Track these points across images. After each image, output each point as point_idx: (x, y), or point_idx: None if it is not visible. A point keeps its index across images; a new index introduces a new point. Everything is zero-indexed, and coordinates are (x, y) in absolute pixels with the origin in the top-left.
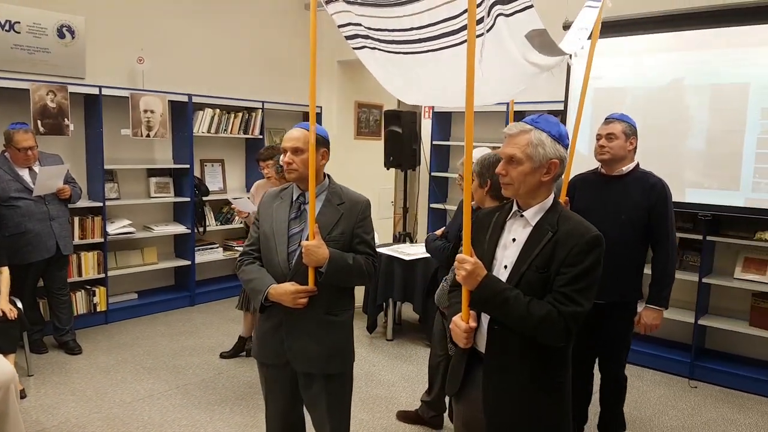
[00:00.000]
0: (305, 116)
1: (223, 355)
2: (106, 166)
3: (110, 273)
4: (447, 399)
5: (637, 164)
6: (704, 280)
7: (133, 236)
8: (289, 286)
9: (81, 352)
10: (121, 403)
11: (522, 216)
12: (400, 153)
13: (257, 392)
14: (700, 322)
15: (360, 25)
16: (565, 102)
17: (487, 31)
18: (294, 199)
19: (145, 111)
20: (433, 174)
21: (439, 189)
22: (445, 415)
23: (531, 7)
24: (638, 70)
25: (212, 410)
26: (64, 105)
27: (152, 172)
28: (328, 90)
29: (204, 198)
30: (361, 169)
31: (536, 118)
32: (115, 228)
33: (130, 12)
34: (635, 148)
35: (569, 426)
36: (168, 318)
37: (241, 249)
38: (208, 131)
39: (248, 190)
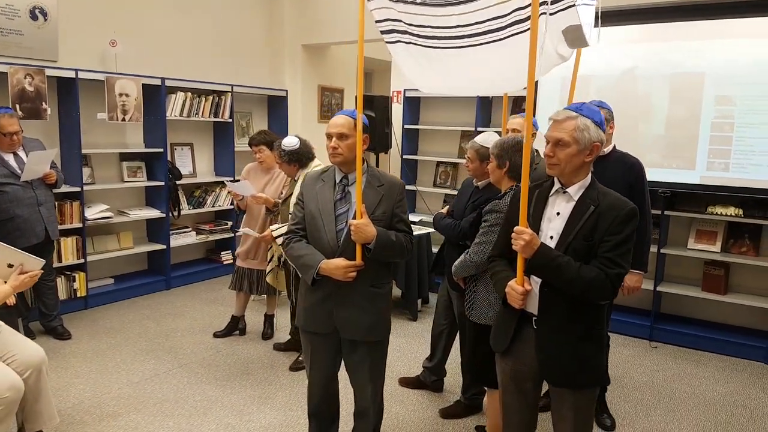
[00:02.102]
0: (270, 100)
1: (216, 335)
2: (82, 151)
3: (88, 258)
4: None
5: (614, 146)
6: (662, 250)
7: (110, 221)
8: (341, 261)
9: (70, 337)
10: (129, 383)
11: (565, 192)
12: (373, 136)
13: (260, 367)
14: (658, 288)
15: (400, 21)
16: (534, 89)
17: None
18: (337, 181)
19: (120, 94)
20: (404, 157)
21: (409, 171)
22: (445, 378)
23: (573, 6)
24: (603, 60)
25: (222, 385)
26: (41, 88)
27: (124, 156)
28: (293, 74)
29: (177, 182)
30: (325, 151)
31: (579, 106)
32: (93, 213)
33: None
34: (613, 131)
35: (607, 363)
36: (147, 302)
37: (209, 230)
38: (180, 115)
39: (216, 174)
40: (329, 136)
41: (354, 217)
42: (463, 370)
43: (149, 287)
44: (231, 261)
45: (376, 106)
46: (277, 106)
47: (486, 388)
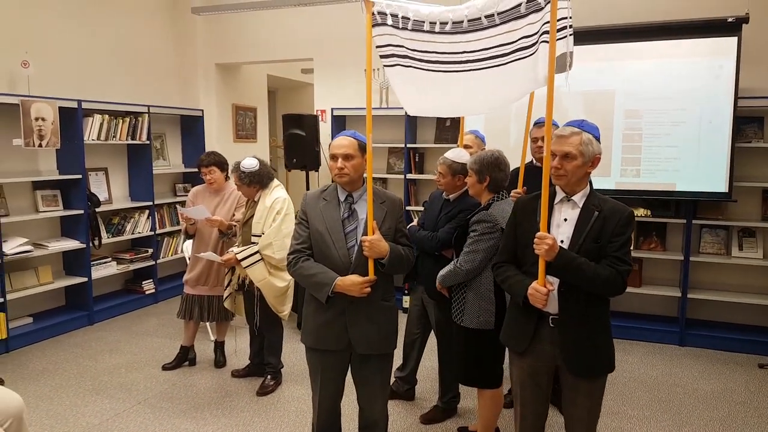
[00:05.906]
0: (183, 120)
1: (165, 367)
2: None
3: (7, 297)
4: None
5: None
6: None
7: (29, 255)
8: (356, 278)
9: (3, 382)
10: (90, 425)
11: (570, 200)
12: (304, 155)
13: (224, 396)
14: None
15: (402, 47)
16: None
17: (531, 55)
18: (342, 200)
19: (36, 119)
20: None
21: None
22: (416, 387)
23: (572, 35)
24: None
25: (193, 417)
26: None
27: (37, 185)
28: (207, 93)
29: (96, 209)
30: None
31: (581, 123)
32: (11, 247)
33: (10, 13)
34: None
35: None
36: (73, 339)
37: (130, 259)
38: (98, 138)
39: (132, 199)
40: (335, 157)
41: (364, 234)
42: (441, 376)
43: (71, 324)
44: (153, 291)
45: (305, 124)
46: (191, 126)
47: (477, 389)
